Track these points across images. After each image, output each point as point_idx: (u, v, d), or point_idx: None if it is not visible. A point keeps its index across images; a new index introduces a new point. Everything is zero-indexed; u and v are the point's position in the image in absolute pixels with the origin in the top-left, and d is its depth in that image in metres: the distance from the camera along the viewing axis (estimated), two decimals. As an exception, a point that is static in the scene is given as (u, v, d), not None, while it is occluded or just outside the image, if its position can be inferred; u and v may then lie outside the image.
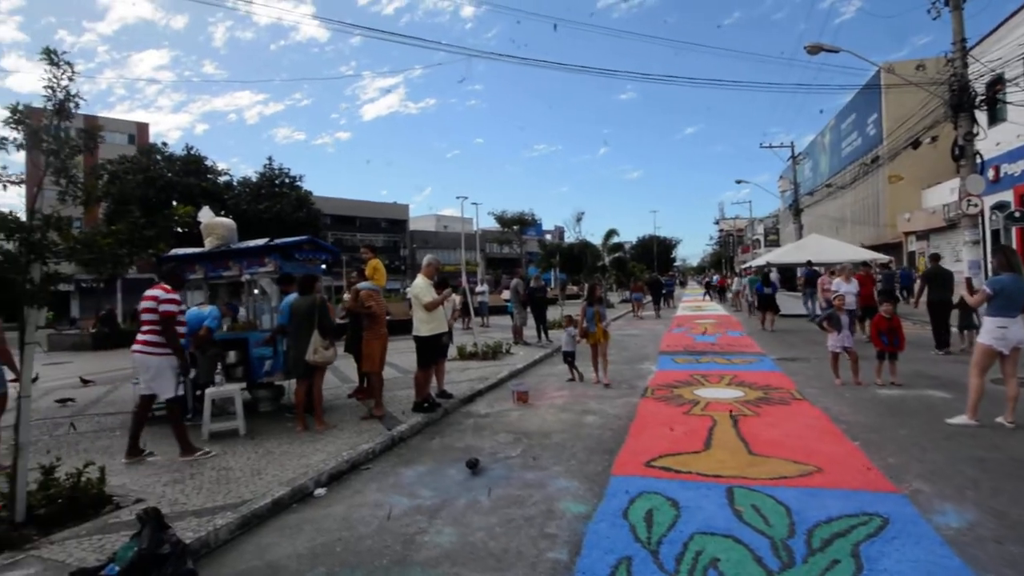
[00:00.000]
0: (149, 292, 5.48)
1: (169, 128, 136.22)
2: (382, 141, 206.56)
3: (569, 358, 9.26)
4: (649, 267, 52.12)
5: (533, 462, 5.12)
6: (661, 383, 8.60)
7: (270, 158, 32.66)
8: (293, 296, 6.66)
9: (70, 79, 4.32)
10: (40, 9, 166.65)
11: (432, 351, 7.26)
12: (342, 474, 4.99)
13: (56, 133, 4.30)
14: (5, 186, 4.38)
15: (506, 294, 20.61)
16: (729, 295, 32.35)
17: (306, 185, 33.18)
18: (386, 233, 65.51)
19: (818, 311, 14.24)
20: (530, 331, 14.55)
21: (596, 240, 37.43)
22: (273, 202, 29.32)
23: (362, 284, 7.28)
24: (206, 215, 8.14)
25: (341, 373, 9.89)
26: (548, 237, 61.62)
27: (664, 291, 29.05)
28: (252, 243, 8.42)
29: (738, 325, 18.65)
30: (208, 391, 6.19)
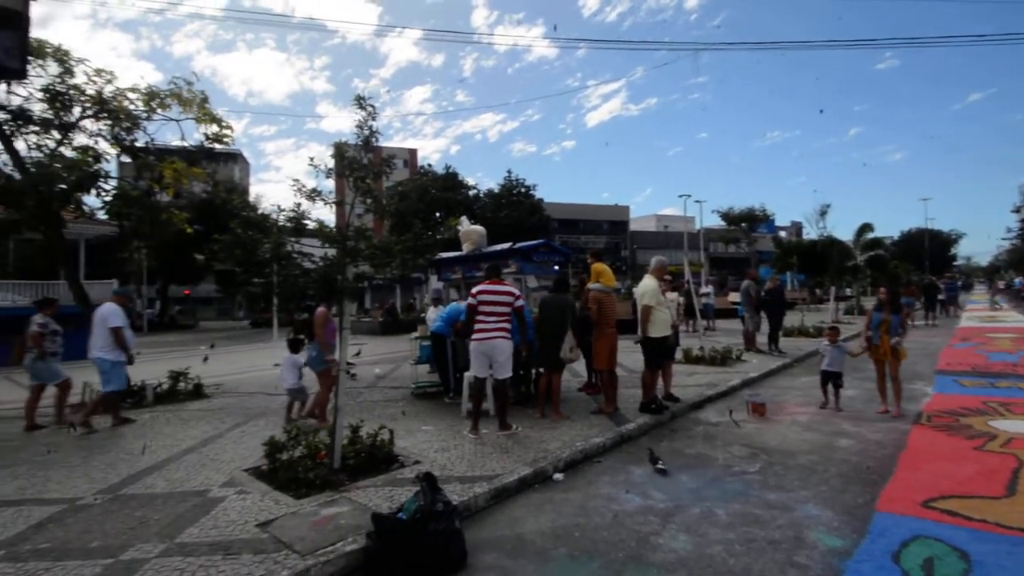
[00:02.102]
0: (499, 288, 6.12)
1: (431, 152, 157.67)
2: (603, 145, 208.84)
3: (831, 380, 7.36)
4: (917, 267, 43.44)
5: (775, 481, 4.69)
6: (941, 409, 7.12)
7: (509, 171, 35.62)
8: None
9: (373, 118, 5.29)
10: (341, 63, 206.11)
11: (659, 353, 7.13)
12: (576, 463, 5.21)
13: (364, 163, 5.30)
14: (326, 203, 5.51)
15: (734, 296, 19.16)
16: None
17: (537, 193, 35.34)
18: (607, 235, 66.06)
19: None
20: (762, 337, 13.28)
21: (844, 236, 32.34)
22: (511, 210, 31.89)
23: (593, 285, 7.47)
24: (464, 224, 9.19)
25: (571, 367, 10.28)
26: (783, 234, 55.48)
27: (943, 296, 23.36)
28: (498, 247, 9.29)
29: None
30: (466, 375, 6.99)
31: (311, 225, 5.14)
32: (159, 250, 30.22)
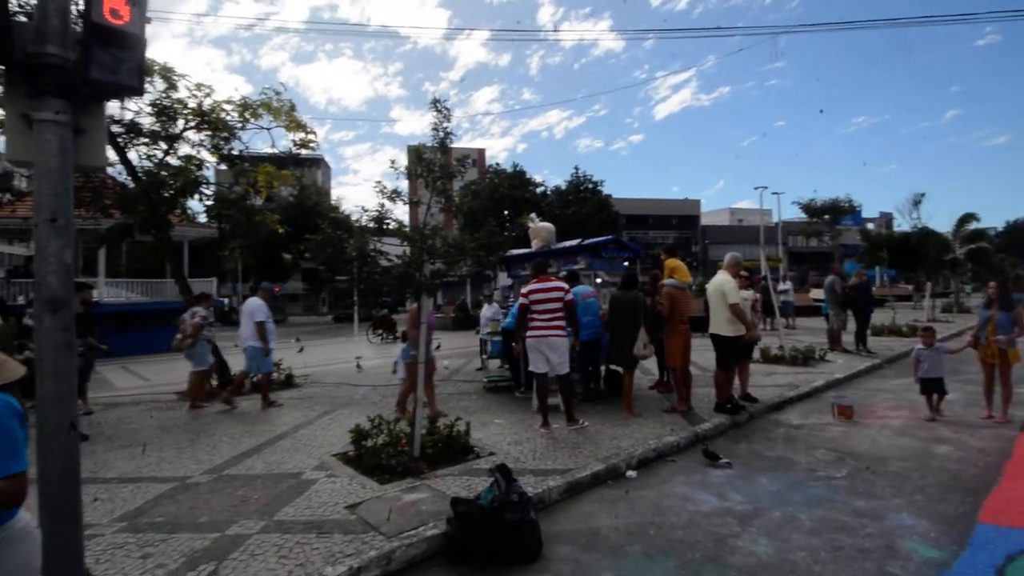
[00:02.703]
0: (549, 285, 6.18)
1: (499, 150, 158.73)
2: (673, 138, 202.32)
3: (934, 388, 6.61)
4: (1024, 261, 39.33)
5: (864, 488, 4.43)
6: (1053, 416, 6.46)
7: (576, 167, 35.33)
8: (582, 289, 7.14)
9: (448, 120, 5.43)
10: (412, 67, 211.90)
11: (735, 351, 6.88)
12: (649, 461, 5.14)
13: (440, 164, 5.46)
14: (406, 203, 5.71)
15: (815, 293, 18.05)
16: None
17: (604, 189, 34.85)
18: (677, 230, 64.14)
19: None
20: (848, 336, 12.47)
21: (941, 227, 29.68)
22: (578, 206, 31.63)
23: (667, 281, 7.31)
24: (534, 221, 9.26)
25: (642, 365, 10.11)
26: (870, 226, 51.65)
27: None
28: (567, 244, 9.28)
29: None
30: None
31: (391, 225, 5.36)
32: (253, 250, 32.34)
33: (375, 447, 4.84)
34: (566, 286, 6.28)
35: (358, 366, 11.26)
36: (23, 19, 3.69)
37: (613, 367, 7.63)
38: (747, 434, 6.14)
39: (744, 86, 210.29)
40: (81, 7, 3.07)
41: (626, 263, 9.23)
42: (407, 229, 5.62)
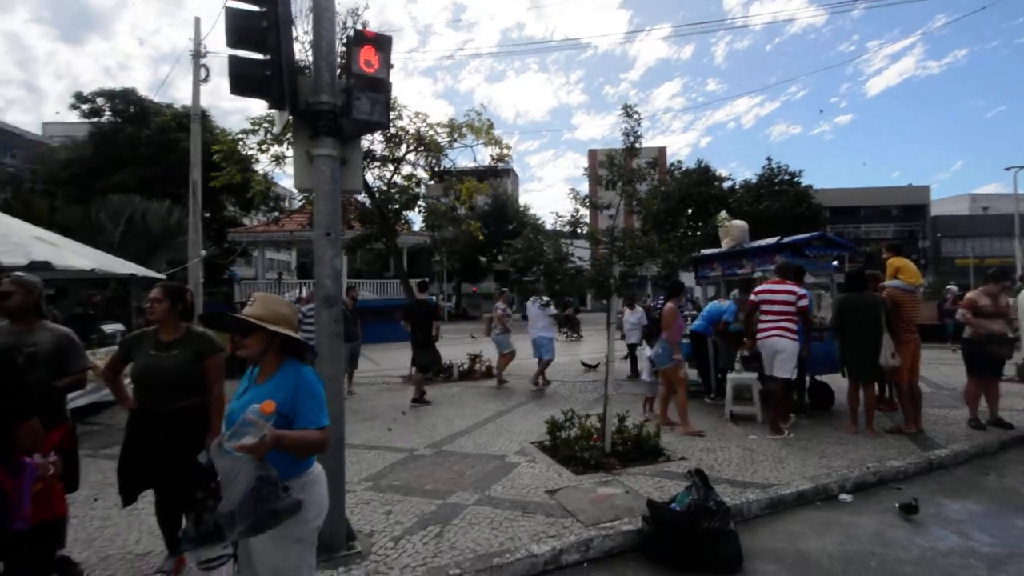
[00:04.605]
0: (781, 287, 5.94)
1: (681, 147, 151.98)
2: (891, 115, 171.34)
3: None
4: None
5: None
6: None
7: (769, 158, 32.09)
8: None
9: (639, 124, 5.37)
10: (593, 73, 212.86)
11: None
12: (868, 486, 4.49)
13: (630, 168, 5.43)
14: (598, 208, 5.77)
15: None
16: None
17: (804, 180, 31.07)
18: (898, 222, 54.30)
19: None
20: None
21: None
22: (772, 200, 28.69)
23: (890, 282, 6.30)
24: (725, 219, 8.66)
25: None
26: None
27: None
28: (764, 242, 8.50)
29: None
30: (729, 376, 6.62)
31: (583, 229, 5.48)
32: (458, 255, 35.65)
33: (568, 439, 5.01)
34: (800, 291, 5.92)
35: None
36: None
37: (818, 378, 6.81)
38: (999, 465, 5.01)
39: (987, 47, 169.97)
40: (343, 61, 3.73)
41: (835, 262, 8.16)
42: (597, 232, 5.69)
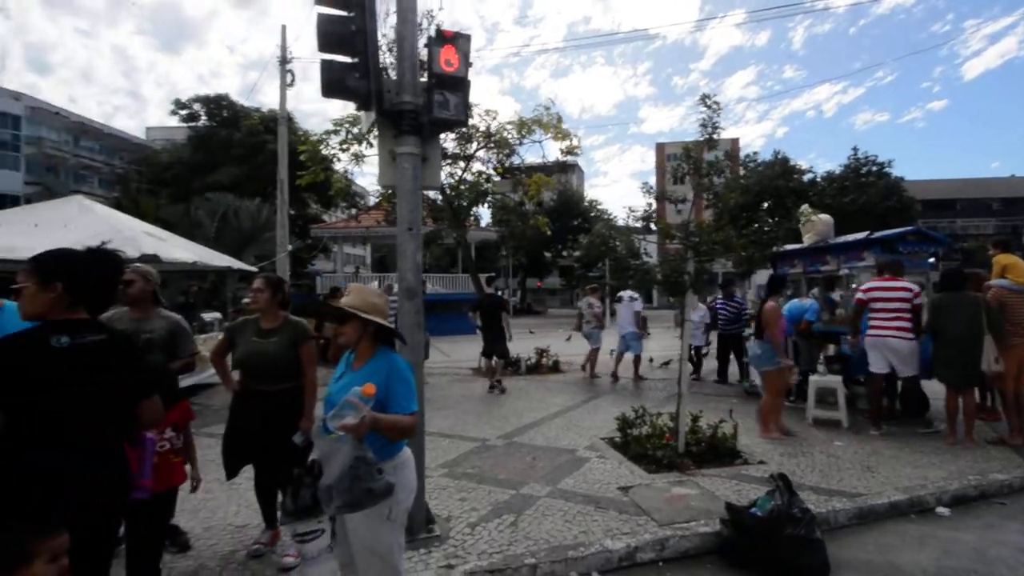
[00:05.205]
0: (893, 284, 5.69)
1: (754, 137, 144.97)
2: (991, 100, 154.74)
3: None
4: None
5: None
6: None
7: (855, 148, 29.88)
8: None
9: (717, 113, 5.17)
10: (661, 64, 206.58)
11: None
12: (968, 499, 4.14)
13: (706, 160, 5.23)
14: (673, 202, 5.60)
15: None
16: None
17: (894, 171, 28.79)
18: (998, 216, 49.28)
19: None
20: None
21: None
22: (858, 193, 26.77)
23: (997, 281, 5.74)
24: (816, 214, 8.17)
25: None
26: None
27: None
28: (851, 237, 7.96)
29: None
30: (812, 379, 6.26)
31: (656, 226, 5.35)
32: (524, 249, 35.82)
33: (640, 436, 4.92)
34: (915, 287, 5.65)
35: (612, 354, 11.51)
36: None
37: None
38: None
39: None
40: (424, 60, 3.83)
41: (931, 259, 7.53)
42: (670, 227, 5.53)
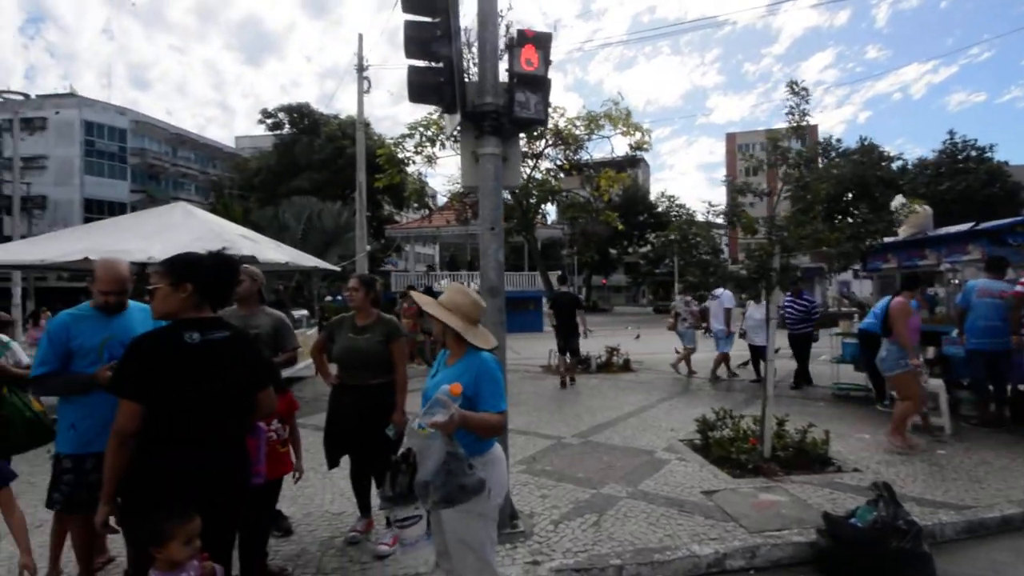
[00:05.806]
0: None
1: (834, 123, 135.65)
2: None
3: None
4: None
5: None
6: None
7: (950, 132, 27.39)
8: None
9: (806, 102, 4.87)
10: (730, 51, 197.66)
11: None
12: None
13: (795, 150, 4.94)
14: (761, 197, 5.32)
15: None
16: None
17: (996, 155, 26.09)
18: None
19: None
20: None
21: None
22: (956, 180, 24.50)
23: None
24: (898, 203, 7.57)
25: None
26: None
27: None
28: (953, 229, 7.31)
29: None
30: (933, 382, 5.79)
31: (742, 220, 5.11)
32: (592, 246, 35.40)
33: (722, 439, 4.73)
34: None
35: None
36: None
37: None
38: None
39: None
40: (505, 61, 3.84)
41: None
42: (754, 221, 5.27)
